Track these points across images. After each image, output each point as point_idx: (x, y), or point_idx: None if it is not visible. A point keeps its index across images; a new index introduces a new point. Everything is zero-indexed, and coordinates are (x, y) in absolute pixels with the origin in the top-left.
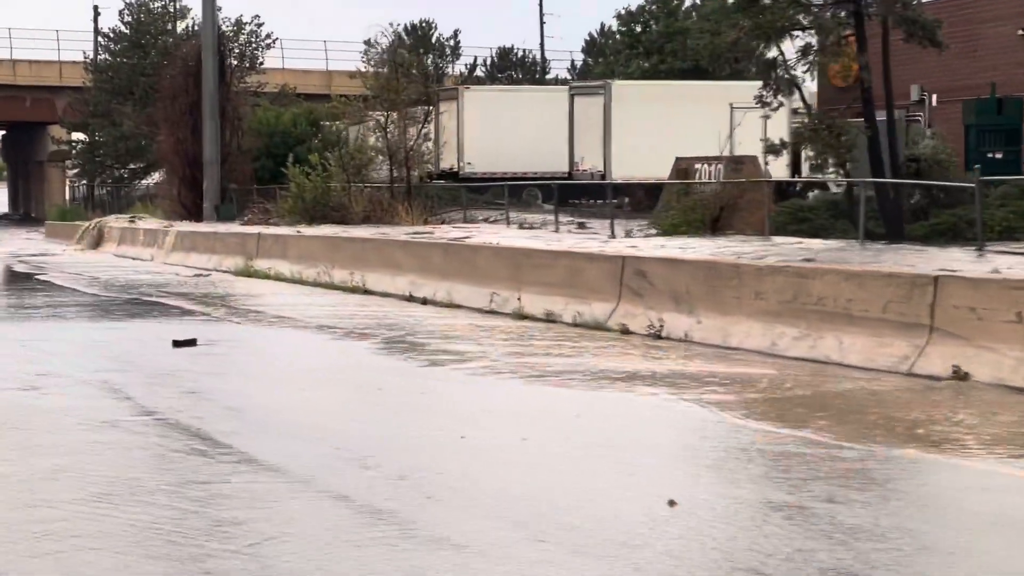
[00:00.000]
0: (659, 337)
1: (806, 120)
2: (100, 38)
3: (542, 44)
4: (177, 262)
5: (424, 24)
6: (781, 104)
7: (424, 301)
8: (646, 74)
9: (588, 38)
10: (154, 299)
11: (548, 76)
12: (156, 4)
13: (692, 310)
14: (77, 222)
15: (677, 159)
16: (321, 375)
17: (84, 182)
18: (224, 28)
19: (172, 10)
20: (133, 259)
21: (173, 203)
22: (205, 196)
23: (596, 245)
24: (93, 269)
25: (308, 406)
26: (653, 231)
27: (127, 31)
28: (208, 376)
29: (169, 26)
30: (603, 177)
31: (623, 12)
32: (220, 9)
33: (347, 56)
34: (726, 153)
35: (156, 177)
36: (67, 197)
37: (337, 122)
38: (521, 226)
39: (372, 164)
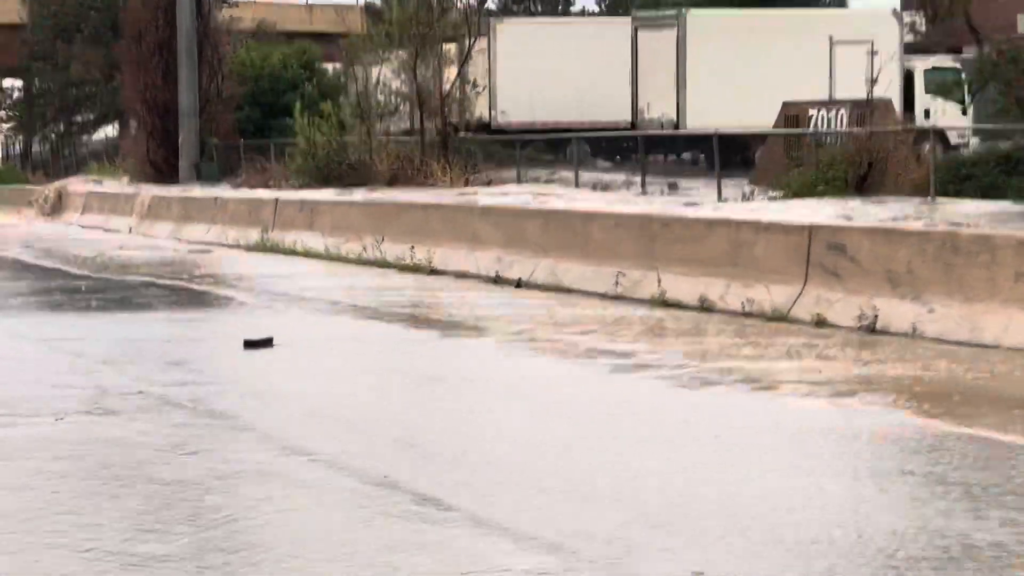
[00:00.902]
0: (873, 331)
1: (988, 52)
2: None
3: None
4: (166, 235)
5: None
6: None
7: (519, 284)
8: (713, 3)
9: None
10: (168, 282)
11: (572, 9)
12: None
13: (918, 295)
14: (17, 185)
15: (785, 104)
16: (501, 391)
17: (17, 139)
18: None
19: None
20: (106, 231)
21: (140, 162)
22: (181, 153)
23: (741, 210)
24: (65, 244)
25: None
26: (777, 193)
27: None
28: (333, 396)
29: None
30: (676, 127)
31: None
32: None
33: None
34: (840, 96)
35: (110, 131)
36: None
37: (336, 64)
38: (595, 187)
39: (397, 114)
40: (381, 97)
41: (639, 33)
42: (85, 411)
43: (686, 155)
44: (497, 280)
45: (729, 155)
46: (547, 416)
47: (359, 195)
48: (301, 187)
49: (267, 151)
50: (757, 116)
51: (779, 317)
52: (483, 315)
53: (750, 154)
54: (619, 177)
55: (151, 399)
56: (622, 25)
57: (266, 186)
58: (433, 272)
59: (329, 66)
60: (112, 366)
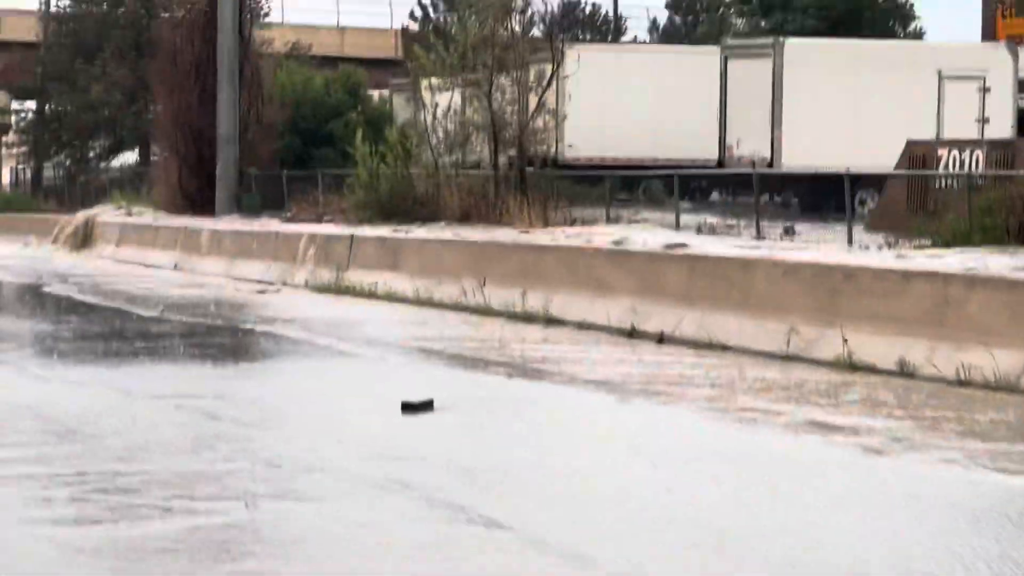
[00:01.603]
0: None
1: None
2: None
3: None
4: (217, 272)
5: None
6: None
7: (661, 339)
8: (762, 34)
9: None
10: (251, 327)
11: (623, 39)
12: None
13: None
14: (32, 214)
15: (910, 143)
16: (753, 475)
17: (29, 164)
18: None
19: None
20: (146, 266)
21: (171, 191)
22: (219, 183)
23: (898, 262)
24: (110, 280)
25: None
26: (925, 241)
27: None
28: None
29: None
30: (769, 165)
31: None
32: None
33: (361, 9)
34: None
35: (129, 158)
36: (5, 182)
37: (382, 91)
38: (700, 230)
39: (468, 145)
40: (450, 126)
41: (729, 63)
42: (277, 494)
43: (779, 196)
44: (632, 333)
45: (827, 198)
46: (863, 524)
47: (448, 232)
48: (362, 222)
49: (308, 182)
50: (861, 155)
51: (1007, 387)
52: (653, 375)
53: (857, 197)
54: (706, 219)
55: (359, 482)
56: (709, 55)
57: (319, 220)
58: (550, 321)
59: (375, 93)
60: (270, 433)
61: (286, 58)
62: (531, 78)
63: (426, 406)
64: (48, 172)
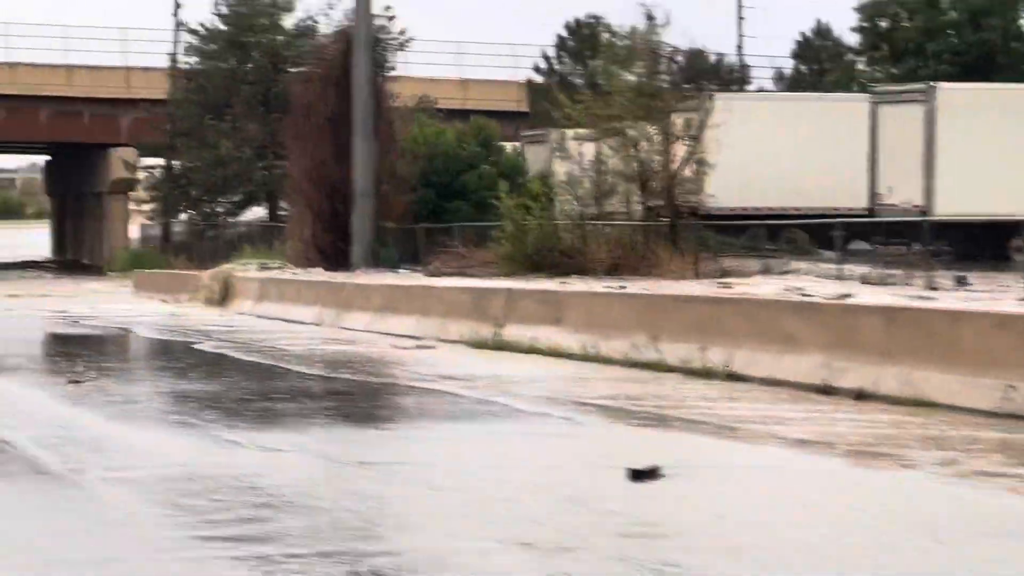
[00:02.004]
0: None
1: None
2: (191, 36)
3: (740, 47)
4: (362, 326)
5: (591, 21)
6: None
7: (859, 395)
8: (895, 79)
9: (800, 39)
10: (419, 384)
11: (749, 88)
12: None
13: None
14: (169, 271)
15: None
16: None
17: (156, 220)
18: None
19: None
20: (288, 321)
21: (304, 246)
22: (354, 237)
23: None
24: (258, 336)
25: None
26: None
27: (224, 27)
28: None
29: (276, 20)
30: (923, 212)
31: (866, 2)
32: None
33: (485, 60)
34: None
35: (258, 213)
36: (133, 238)
37: (515, 144)
38: (866, 280)
39: (614, 195)
40: (595, 176)
41: (879, 110)
42: None
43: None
44: (827, 390)
45: (982, 245)
46: None
47: (600, 284)
48: (507, 274)
49: (443, 235)
50: (1017, 201)
51: None
52: (867, 435)
53: (1008, 246)
54: (858, 269)
55: (633, 567)
56: (858, 102)
57: (463, 273)
58: (732, 377)
59: (508, 145)
60: (500, 504)
61: (419, 111)
62: (677, 127)
63: (654, 473)
64: (176, 228)
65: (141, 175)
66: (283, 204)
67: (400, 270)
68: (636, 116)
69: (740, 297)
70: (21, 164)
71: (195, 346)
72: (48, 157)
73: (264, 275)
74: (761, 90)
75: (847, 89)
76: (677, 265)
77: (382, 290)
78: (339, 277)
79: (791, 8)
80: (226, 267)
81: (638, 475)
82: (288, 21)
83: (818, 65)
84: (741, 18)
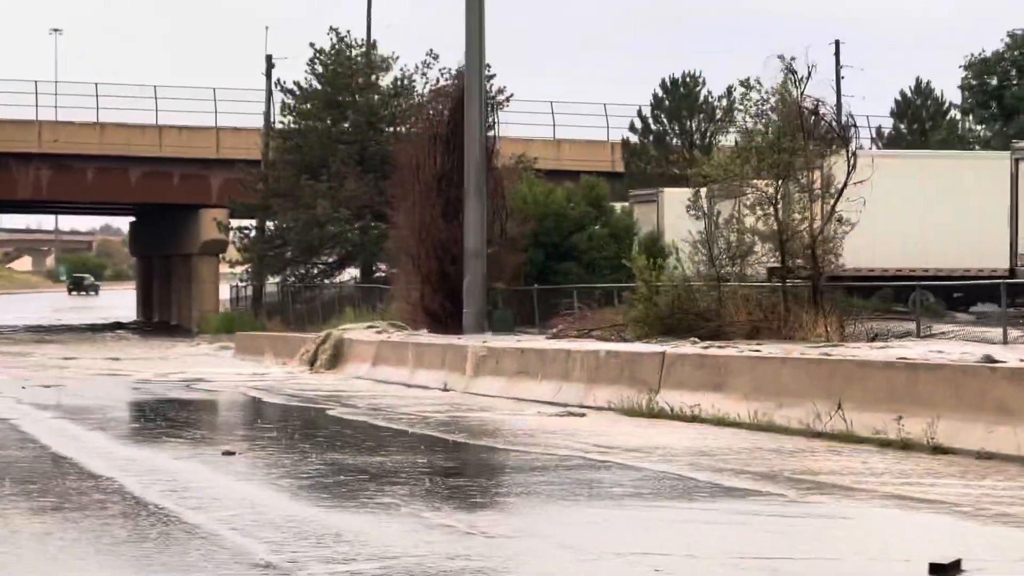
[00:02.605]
0: None
1: None
2: (285, 95)
3: (838, 104)
4: (497, 392)
5: (689, 79)
6: None
7: None
8: (1006, 138)
9: (899, 97)
10: (590, 457)
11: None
12: (355, 51)
13: None
14: (278, 333)
15: None
16: None
17: (248, 282)
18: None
19: (372, 59)
20: (412, 386)
21: (413, 308)
22: (466, 299)
23: None
24: (388, 402)
25: None
26: None
27: (319, 85)
28: None
29: (372, 79)
30: None
31: (974, 60)
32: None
33: (578, 120)
34: None
35: (352, 273)
36: (223, 299)
37: (624, 203)
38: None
39: (750, 255)
40: (732, 236)
41: (1021, 167)
42: None
43: None
44: None
45: None
46: None
47: (775, 349)
48: (639, 337)
49: (557, 296)
50: None
51: None
52: None
53: None
54: (991, 331)
55: None
56: (997, 159)
57: (587, 336)
58: (937, 450)
59: (617, 205)
60: None
61: (524, 170)
62: (817, 184)
63: (955, 567)
64: (267, 289)
65: (232, 236)
66: (380, 265)
67: (516, 333)
68: (776, 173)
69: (938, 363)
70: (94, 226)
71: (328, 412)
72: (132, 218)
73: (379, 337)
74: (860, 148)
75: (951, 147)
76: (820, 328)
77: (513, 353)
78: (458, 340)
79: (889, 66)
80: (335, 330)
81: (939, 570)
82: (385, 80)
83: (918, 124)
84: (839, 77)
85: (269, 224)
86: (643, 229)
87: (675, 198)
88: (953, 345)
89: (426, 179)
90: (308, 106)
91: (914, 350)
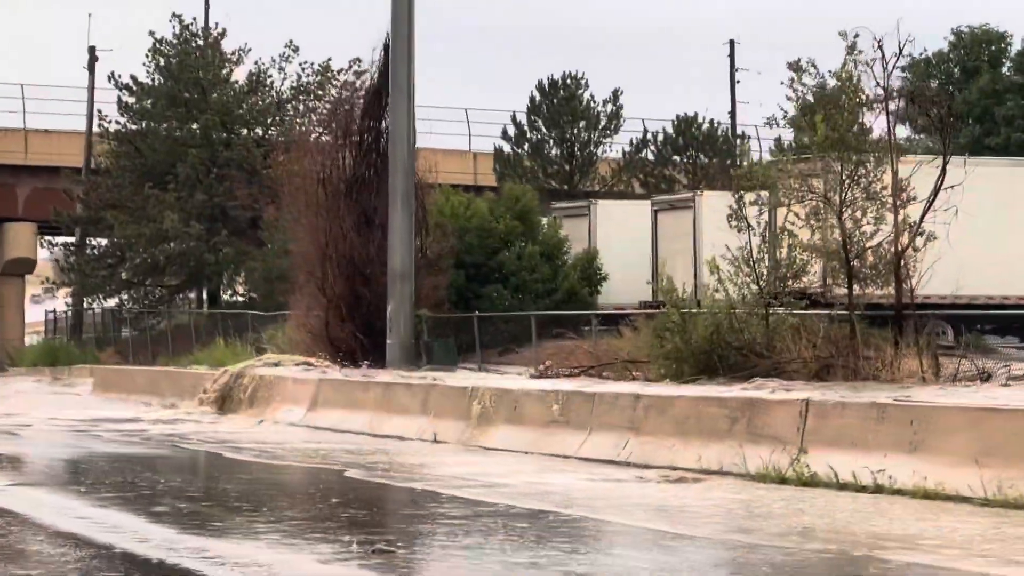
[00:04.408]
0: None
1: None
2: (122, 93)
3: (733, 111)
4: (520, 447)
5: (570, 80)
6: None
7: None
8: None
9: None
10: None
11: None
12: (201, 41)
13: None
14: (156, 368)
15: None
16: None
17: (67, 307)
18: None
19: (220, 52)
20: (381, 436)
21: (313, 338)
22: (391, 327)
23: None
24: (399, 459)
25: None
26: None
27: (162, 79)
28: None
29: (224, 73)
30: None
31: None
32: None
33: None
34: None
35: (192, 299)
36: (32, 323)
37: (553, 216)
38: None
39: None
40: (780, 253)
41: None
42: None
43: None
44: None
45: None
46: None
47: (843, 394)
48: (667, 378)
49: (490, 325)
50: None
51: None
52: None
53: None
54: None
55: None
56: None
57: (585, 375)
58: None
59: (543, 219)
60: None
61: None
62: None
63: None
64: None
65: (53, 253)
66: (238, 289)
67: (460, 369)
68: (846, 175)
69: None
70: None
71: (346, 474)
72: None
73: (314, 375)
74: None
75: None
76: (909, 365)
77: (541, 397)
78: (463, 378)
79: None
80: (240, 365)
81: None
82: (238, 74)
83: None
84: (734, 81)
85: (96, 241)
86: (574, 247)
87: (616, 211)
88: None
89: (334, 186)
90: (149, 104)
91: None
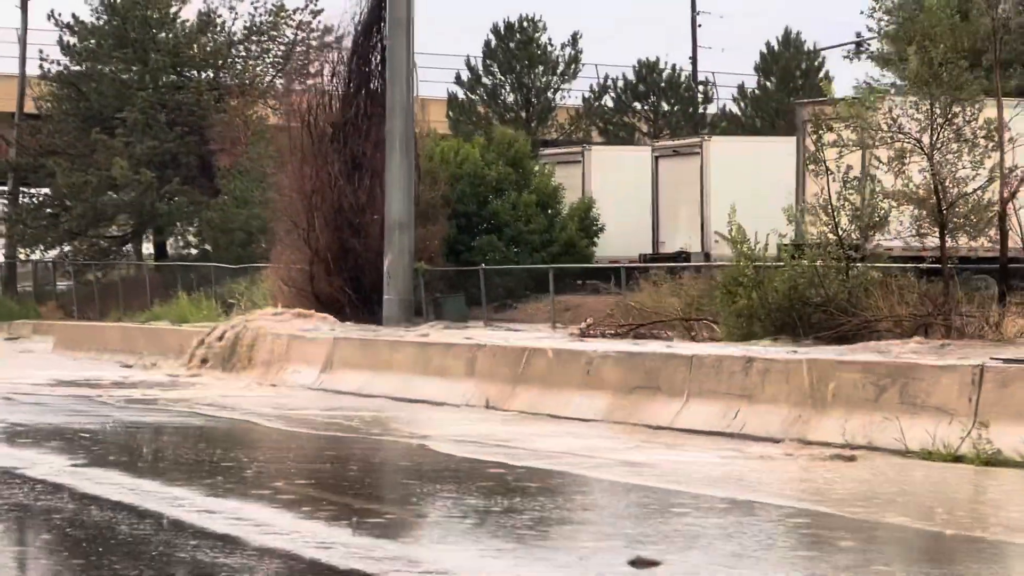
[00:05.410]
0: None
1: None
2: (63, 31)
3: (694, 57)
4: (594, 415)
5: (527, 23)
6: None
7: None
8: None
9: (764, 50)
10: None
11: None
12: None
13: None
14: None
15: None
16: None
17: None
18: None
19: None
20: (410, 401)
21: (296, 292)
22: (388, 282)
23: None
24: (503, 437)
25: None
26: None
27: (105, 19)
28: None
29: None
30: None
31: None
32: None
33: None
34: None
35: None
36: None
37: (544, 163)
38: None
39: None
40: (859, 200)
41: None
42: None
43: None
44: None
45: None
46: None
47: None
48: (736, 338)
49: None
50: None
51: None
52: None
53: None
54: None
55: None
56: None
57: (635, 334)
58: None
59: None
60: None
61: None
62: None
63: None
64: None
65: None
66: (190, 239)
67: (471, 324)
68: (933, 113)
69: None
70: None
71: (434, 448)
72: None
73: (334, 334)
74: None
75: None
76: (1012, 324)
77: (622, 359)
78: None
79: (752, 16)
80: (240, 319)
81: None
82: (187, 12)
83: (789, 80)
84: (696, 25)
85: (35, 190)
86: (568, 195)
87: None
88: None
89: (321, 129)
90: (93, 44)
91: None
